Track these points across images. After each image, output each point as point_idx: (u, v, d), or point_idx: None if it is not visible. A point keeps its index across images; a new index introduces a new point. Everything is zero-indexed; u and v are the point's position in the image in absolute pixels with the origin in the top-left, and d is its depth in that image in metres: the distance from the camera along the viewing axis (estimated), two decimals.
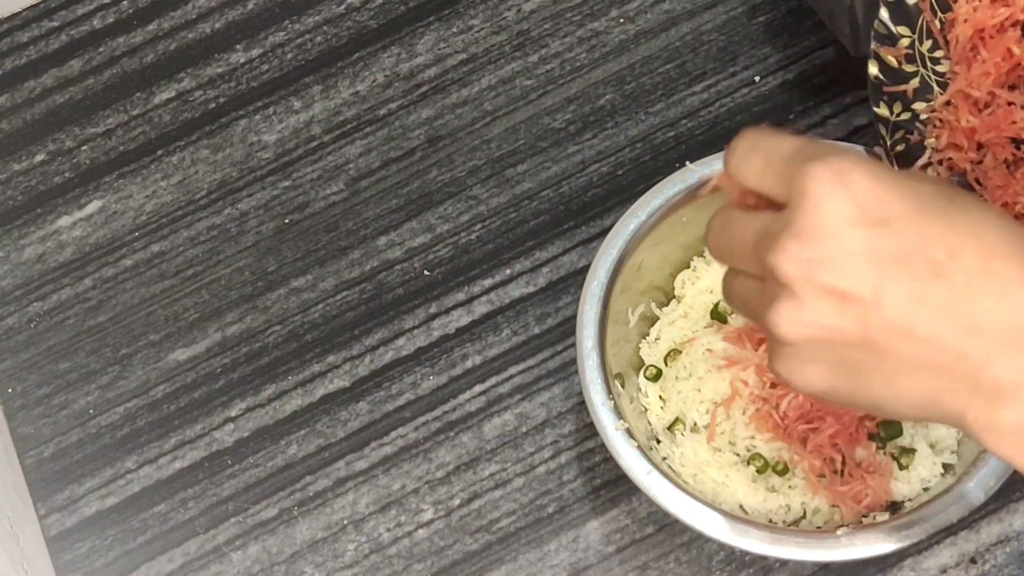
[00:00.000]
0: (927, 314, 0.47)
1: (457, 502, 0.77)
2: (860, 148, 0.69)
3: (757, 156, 0.52)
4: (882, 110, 0.69)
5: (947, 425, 0.60)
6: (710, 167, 0.73)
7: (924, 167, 0.68)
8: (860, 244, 0.48)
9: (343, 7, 0.91)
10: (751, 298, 0.52)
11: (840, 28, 0.77)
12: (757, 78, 0.86)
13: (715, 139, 0.84)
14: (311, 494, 0.78)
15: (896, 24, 0.69)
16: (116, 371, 0.83)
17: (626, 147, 0.85)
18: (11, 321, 0.85)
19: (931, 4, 0.69)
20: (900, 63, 0.69)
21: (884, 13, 0.69)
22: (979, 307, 0.47)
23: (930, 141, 0.69)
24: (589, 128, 0.86)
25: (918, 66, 0.69)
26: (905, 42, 0.69)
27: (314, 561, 0.77)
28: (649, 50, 0.87)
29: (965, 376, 0.47)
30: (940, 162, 0.68)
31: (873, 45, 0.69)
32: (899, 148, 0.68)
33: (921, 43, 0.69)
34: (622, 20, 0.88)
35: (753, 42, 0.87)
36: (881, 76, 0.69)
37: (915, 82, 0.69)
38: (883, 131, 0.69)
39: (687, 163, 0.74)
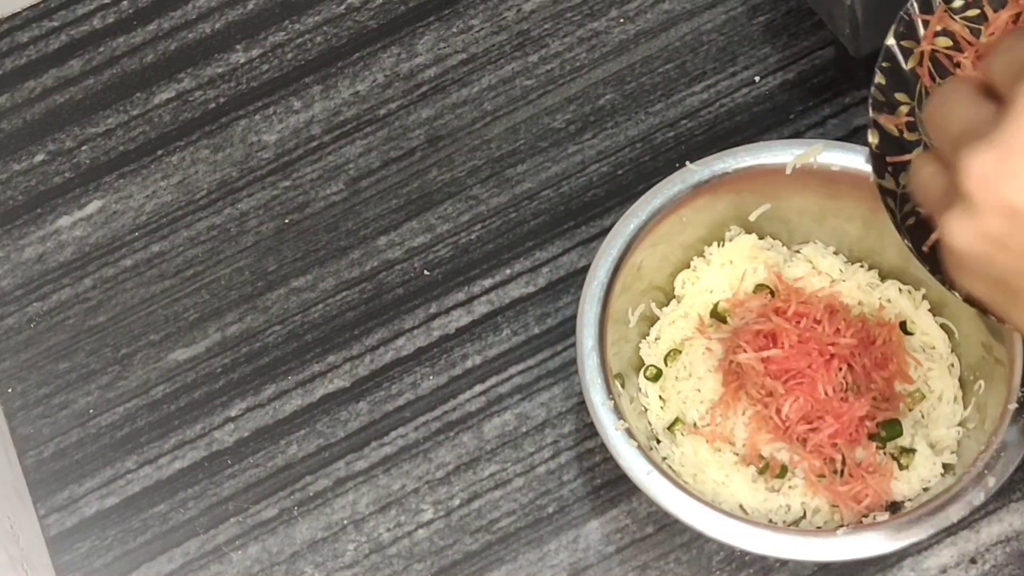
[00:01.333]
0: None
1: (457, 502, 0.77)
2: None
3: (1017, 54, 0.48)
4: (887, 182, 0.65)
5: None
6: (710, 167, 0.73)
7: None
8: None
9: (343, 7, 0.91)
10: (931, 188, 0.50)
11: (840, 28, 0.77)
12: (757, 78, 0.86)
13: (715, 139, 0.84)
14: (311, 494, 0.78)
15: (894, 91, 0.65)
16: (116, 371, 0.83)
17: (626, 147, 0.85)
18: (11, 321, 0.85)
19: (929, 70, 0.65)
20: (901, 131, 0.65)
21: (880, 79, 0.65)
22: None
23: None
24: (589, 128, 0.86)
25: (920, 134, 0.65)
26: (904, 109, 0.65)
27: (314, 561, 0.77)
28: (649, 50, 0.87)
29: None
30: None
31: (872, 114, 0.65)
32: (910, 222, 0.64)
33: (921, 109, 0.65)
34: (622, 20, 0.88)
35: (753, 42, 0.87)
36: (882, 146, 0.65)
37: (919, 151, 0.65)
38: (891, 204, 0.65)
39: (687, 163, 0.73)
